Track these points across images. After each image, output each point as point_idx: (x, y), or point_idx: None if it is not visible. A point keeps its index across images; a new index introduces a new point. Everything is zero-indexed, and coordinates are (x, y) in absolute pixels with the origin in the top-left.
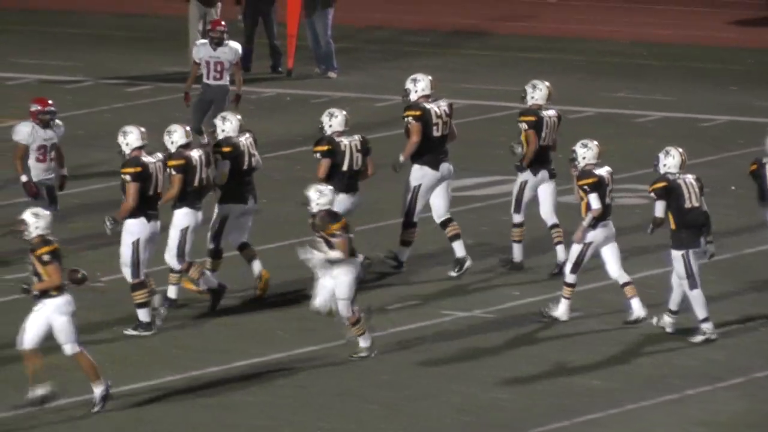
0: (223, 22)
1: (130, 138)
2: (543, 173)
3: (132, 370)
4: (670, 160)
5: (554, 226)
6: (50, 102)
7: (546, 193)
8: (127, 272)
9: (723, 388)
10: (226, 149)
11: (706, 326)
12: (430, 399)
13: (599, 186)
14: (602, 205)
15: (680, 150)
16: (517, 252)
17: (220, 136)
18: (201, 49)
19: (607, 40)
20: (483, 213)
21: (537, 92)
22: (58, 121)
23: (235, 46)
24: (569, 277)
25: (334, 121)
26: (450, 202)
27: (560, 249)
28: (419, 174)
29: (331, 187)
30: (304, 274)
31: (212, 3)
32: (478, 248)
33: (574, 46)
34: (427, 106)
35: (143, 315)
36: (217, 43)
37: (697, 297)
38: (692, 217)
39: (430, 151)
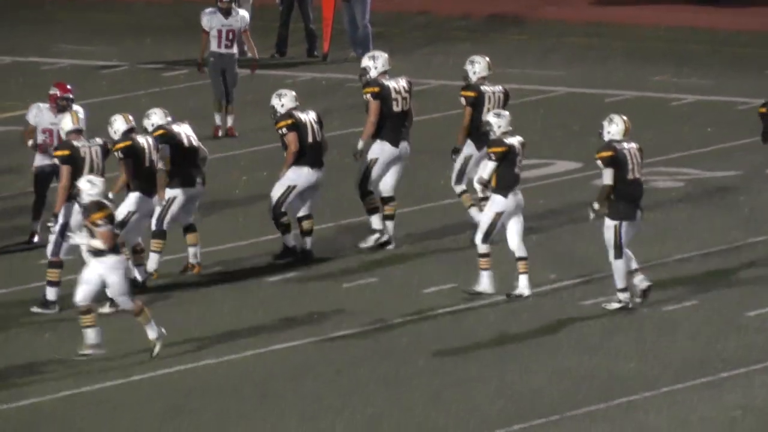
0: None
1: (64, 122)
2: (485, 150)
3: (166, 354)
4: (614, 128)
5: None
6: (69, 87)
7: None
8: (48, 248)
9: (759, 371)
10: (160, 132)
11: (624, 295)
12: (470, 384)
13: (507, 155)
14: (513, 174)
15: (624, 118)
16: (476, 215)
17: (150, 128)
18: (212, 18)
19: (646, 26)
20: None
21: (477, 66)
22: (76, 107)
23: (244, 13)
24: (481, 248)
25: (284, 99)
26: (399, 181)
27: (474, 211)
28: (378, 149)
29: (102, 179)
30: (340, 260)
31: None
32: None
33: (612, 31)
34: (386, 82)
35: (51, 294)
36: (226, 11)
37: (619, 267)
38: (632, 189)
39: (389, 127)
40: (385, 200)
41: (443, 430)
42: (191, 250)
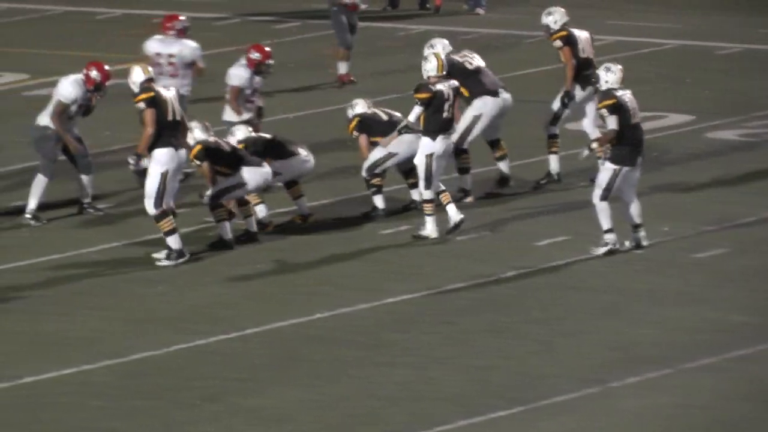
0: None
1: (134, 76)
2: (589, 89)
3: (280, 307)
4: (611, 76)
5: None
6: (269, 50)
7: (591, 107)
8: (149, 203)
9: None
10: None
11: (610, 237)
12: (581, 335)
13: (432, 100)
14: (440, 118)
15: (620, 66)
16: (553, 164)
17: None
18: None
19: None
20: None
21: (556, 14)
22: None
23: None
24: (426, 194)
25: (356, 108)
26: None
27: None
28: (480, 104)
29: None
30: (463, 205)
31: None
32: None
33: None
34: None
35: (173, 242)
36: None
37: (604, 208)
38: (636, 134)
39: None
40: (493, 143)
41: (554, 380)
42: (298, 202)
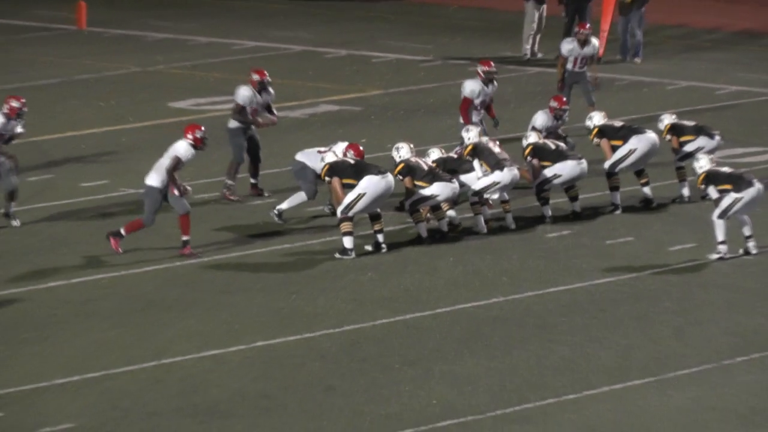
0: (588, 25)
1: (402, 152)
2: (717, 139)
3: (467, 292)
4: (700, 162)
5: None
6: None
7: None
8: (339, 208)
9: None
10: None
11: (722, 247)
12: (706, 322)
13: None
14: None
15: (709, 156)
16: (683, 189)
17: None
18: (573, 48)
19: None
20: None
21: (665, 119)
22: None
23: (595, 41)
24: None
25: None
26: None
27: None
28: (635, 140)
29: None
30: (605, 221)
31: (543, 1)
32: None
33: None
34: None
35: (347, 242)
36: (583, 41)
37: (720, 225)
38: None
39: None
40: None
41: (684, 358)
42: (450, 213)
